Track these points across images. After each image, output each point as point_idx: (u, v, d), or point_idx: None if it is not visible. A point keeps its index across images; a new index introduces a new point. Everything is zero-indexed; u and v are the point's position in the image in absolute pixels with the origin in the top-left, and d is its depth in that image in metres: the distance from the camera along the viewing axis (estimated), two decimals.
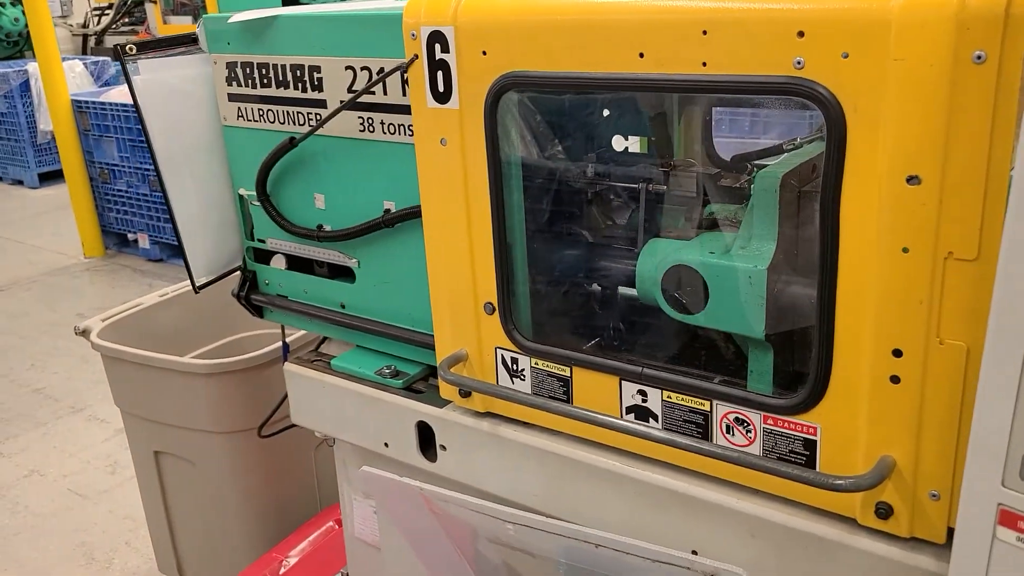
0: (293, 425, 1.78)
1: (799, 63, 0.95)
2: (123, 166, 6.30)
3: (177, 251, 6.54)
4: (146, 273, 6.21)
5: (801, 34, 0.94)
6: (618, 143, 1.47)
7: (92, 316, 2.63)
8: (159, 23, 11.78)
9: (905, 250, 0.93)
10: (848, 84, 0.92)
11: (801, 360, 1.16)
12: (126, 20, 13.21)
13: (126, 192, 6.35)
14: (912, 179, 0.90)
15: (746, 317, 1.16)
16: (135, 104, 1.55)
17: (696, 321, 1.21)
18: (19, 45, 10.50)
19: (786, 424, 1.09)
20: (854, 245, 0.97)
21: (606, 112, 1.42)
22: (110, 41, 12.92)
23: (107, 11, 13.12)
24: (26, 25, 10.45)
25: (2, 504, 3.54)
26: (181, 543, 2.60)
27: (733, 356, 1.26)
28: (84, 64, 8.72)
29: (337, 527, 2.34)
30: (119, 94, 6.47)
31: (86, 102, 6.37)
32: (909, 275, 0.93)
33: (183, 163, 1.63)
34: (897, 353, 0.97)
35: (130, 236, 6.57)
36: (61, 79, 6.41)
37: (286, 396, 1.72)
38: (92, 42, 12.75)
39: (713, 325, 1.20)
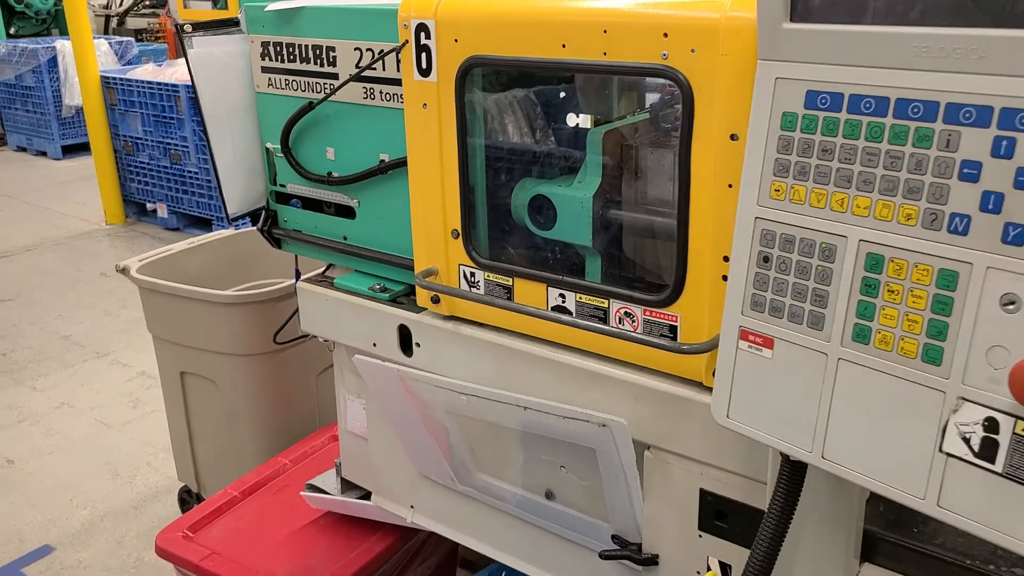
0: (301, 337, 2.21)
1: (664, 55, 1.38)
2: (146, 139, 6.74)
3: (193, 221, 6.97)
4: (164, 240, 6.64)
5: (666, 35, 1.37)
6: (571, 120, 1.92)
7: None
8: (180, 7, 12.21)
9: (730, 186, 1.36)
10: (695, 70, 1.35)
11: (621, 264, 1.66)
12: (147, 3, 13.68)
13: (147, 164, 6.80)
14: (733, 136, 1.33)
15: (580, 231, 1.62)
16: (189, 72, 1.99)
17: (549, 235, 1.67)
18: (47, 23, 10.97)
19: (658, 314, 1.52)
20: (699, 184, 1.40)
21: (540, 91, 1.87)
22: (131, 23, 13.37)
23: None
24: (55, 4, 10.91)
25: (37, 428, 4.00)
26: (199, 453, 3.04)
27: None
28: (109, 43, 9.16)
29: (333, 441, 2.77)
30: (144, 72, 6.92)
31: (114, 78, 6.82)
32: (732, 203, 1.36)
33: (224, 120, 2.07)
34: (726, 259, 1.39)
35: (149, 206, 7.02)
36: (92, 56, 6.86)
37: (296, 312, 2.15)
38: (115, 23, 13.18)
39: (559, 238, 1.67)
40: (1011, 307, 0.89)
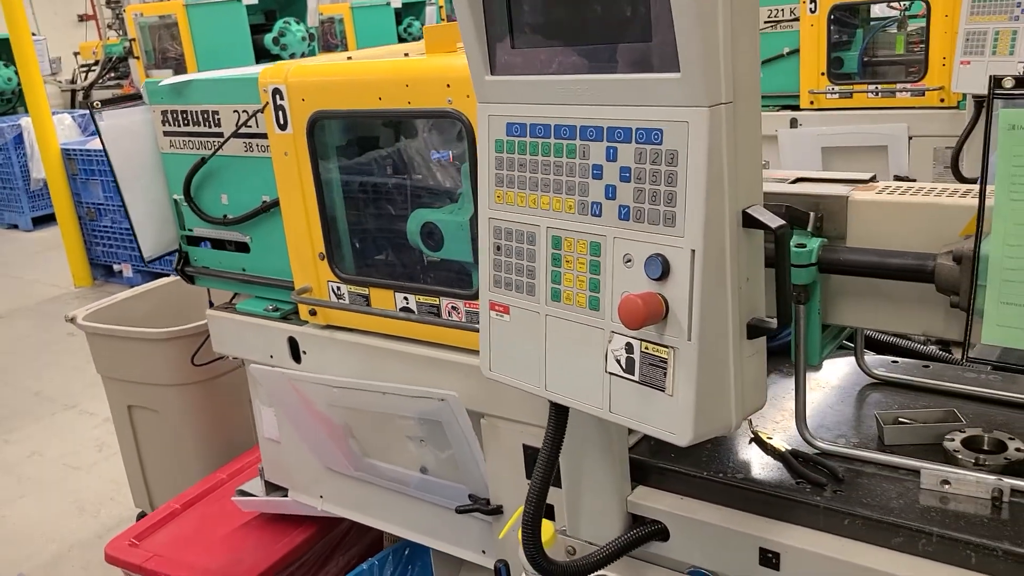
0: (219, 358, 2.58)
1: (449, 100, 1.77)
2: (107, 205, 7.13)
3: (156, 277, 7.28)
4: None
5: (448, 85, 1.76)
6: (434, 156, 2.30)
7: None
8: (142, 76, 12.67)
9: None
10: (471, 111, 1.74)
11: None
12: (112, 75, 14.14)
13: (111, 227, 7.18)
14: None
15: (462, 250, 1.97)
16: (100, 141, 2.38)
17: (439, 255, 2.02)
18: (12, 102, 11.37)
19: (473, 305, 1.89)
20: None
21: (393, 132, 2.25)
22: (97, 95, 13.84)
23: (93, 67, 13.98)
24: (19, 83, 11.34)
25: (9, 478, 4.32)
26: (151, 478, 3.37)
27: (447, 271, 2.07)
28: (72, 117, 9.58)
29: None
30: None
31: (74, 150, 7.22)
32: None
33: (134, 179, 2.45)
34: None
35: (115, 267, 7.39)
36: (51, 131, 7.26)
37: (208, 336, 2.52)
38: (81, 96, 13.61)
39: (448, 256, 2.02)
40: (628, 263, 1.27)
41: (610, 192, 1.28)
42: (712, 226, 1.19)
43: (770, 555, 1.57)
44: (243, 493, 2.76)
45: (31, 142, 9.17)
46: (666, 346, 1.25)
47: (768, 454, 1.70)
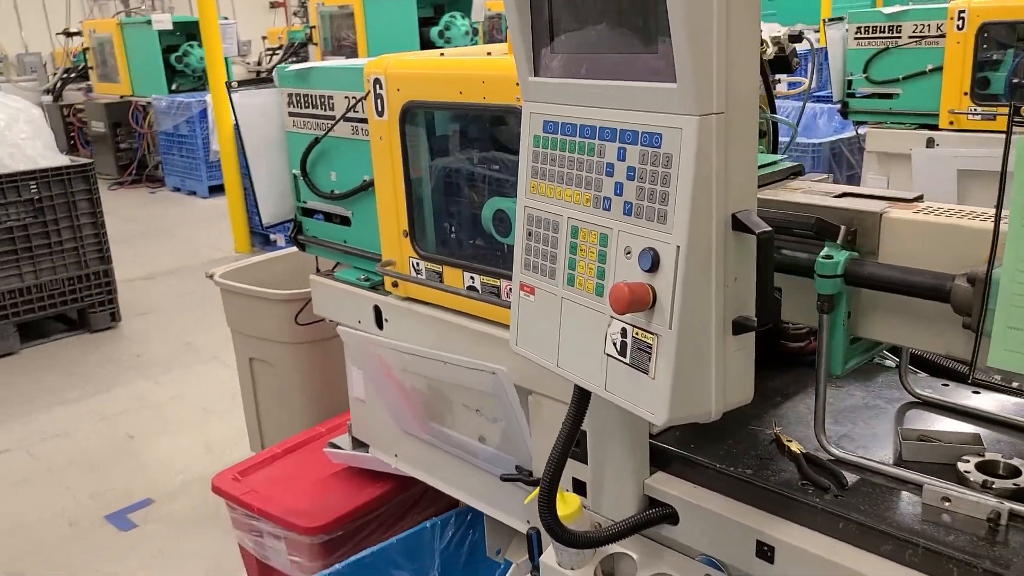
0: (319, 320, 2.85)
1: (518, 98, 1.92)
2: None
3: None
4: None
5: (518, 84, 1.92)
6: None
7: None
8: (318, 57, 13.53)
9: None
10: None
11: None
12: (293, 59, 15.16)
13: None
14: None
15: None
16: (234, 116, 2.69)
17: (507, 241, 2.19)
18: (202, 80, 12.44)
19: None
20: None
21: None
22: None
23: (277, 51, 15.02)
24: None
25: (152, 414, 4.83)
26: (264, 425, 3.73)
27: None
28: None
29: None
30: None
31: None
32: None
33: (260, 153, 2.75)
34: None
35: (271, 236, 7.99)
36: (227, 108, 7.92)
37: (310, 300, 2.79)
38: (265, 75, 14.65)
39: (513, 242, 2.18)
40: (628, 255, 1.39)
41: (618, 189, 1.40)
42: (698, 226, 1.30)
43: (766, 548, 1.64)
44: (333, 446, 3.03)
45: (212, 117, 10.02)
46: (652, 333, 1.36)
47: (784, 454, 1.77)
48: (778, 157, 2.03)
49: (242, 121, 2.71)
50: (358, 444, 2.95)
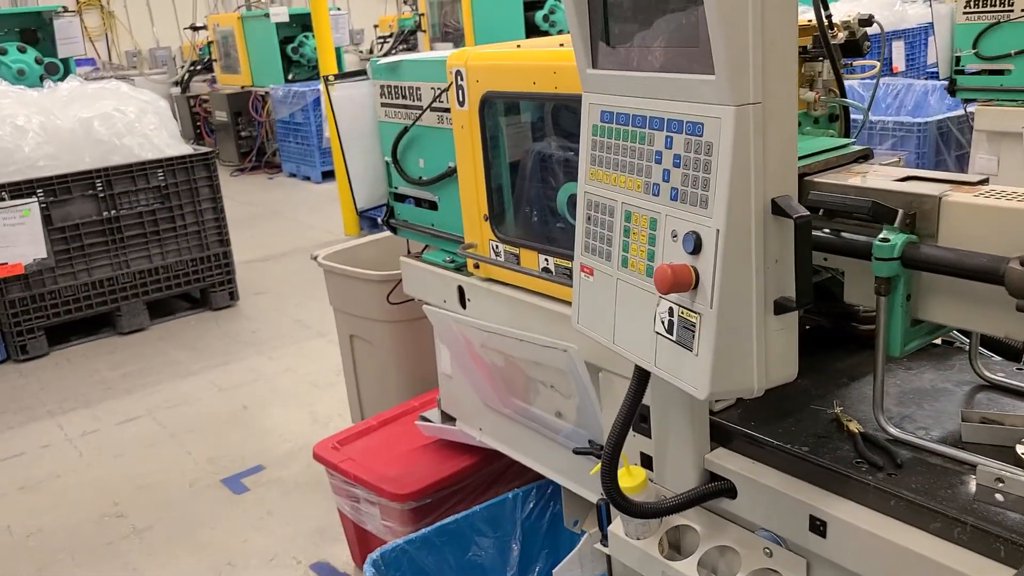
0: (410, 300, 3.02)
1: None
2: None
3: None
4: None
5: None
6: None
7: None
8: (427, 48, 13.83)
9: None
10: None
11: None
12: (403, 46, 15.54)
13: None
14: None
15: None
16: (331, 107, 2.86)
17: None
18: (316, 69, 12.92)
19: None
20: None
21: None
22: None
23: (388, 39, 15.41)
24: None
25: (265, 386, 5.15)
26: (364, 399, 3.94)
27: None
28: None
29: None
30: None
31: None
32: None
33: (355, 142, 2.92)
34: None
35: (379, 220, 8.28)
36: None
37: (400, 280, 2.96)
38: None
39: None
40: (675, 238, 1.46)
41: (665, 176, 1.48)
42: (737, 210, 1.36)
43: (818, 523, 1.69)
44: (424, 419, 3.20)
45: (323, 106, 10.43)
46: (695, 312, 1.44)
47: (842, 433, 1.81)
48: (846, 141, 2.04)
49: (338, 112, 2.88)
50: (446, 418, 3.11)
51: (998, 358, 2.08)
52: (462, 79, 2.39)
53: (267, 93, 11.61)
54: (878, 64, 2.06)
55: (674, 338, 1.49)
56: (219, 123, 12.46)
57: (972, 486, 1.59)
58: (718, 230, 1.37)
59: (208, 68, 13.48)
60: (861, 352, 2.16)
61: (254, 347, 5.82)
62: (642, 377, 1.75)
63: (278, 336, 5.97)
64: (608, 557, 2.24)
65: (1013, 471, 1.56)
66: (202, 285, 6.49)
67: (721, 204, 1.36)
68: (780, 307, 1.42)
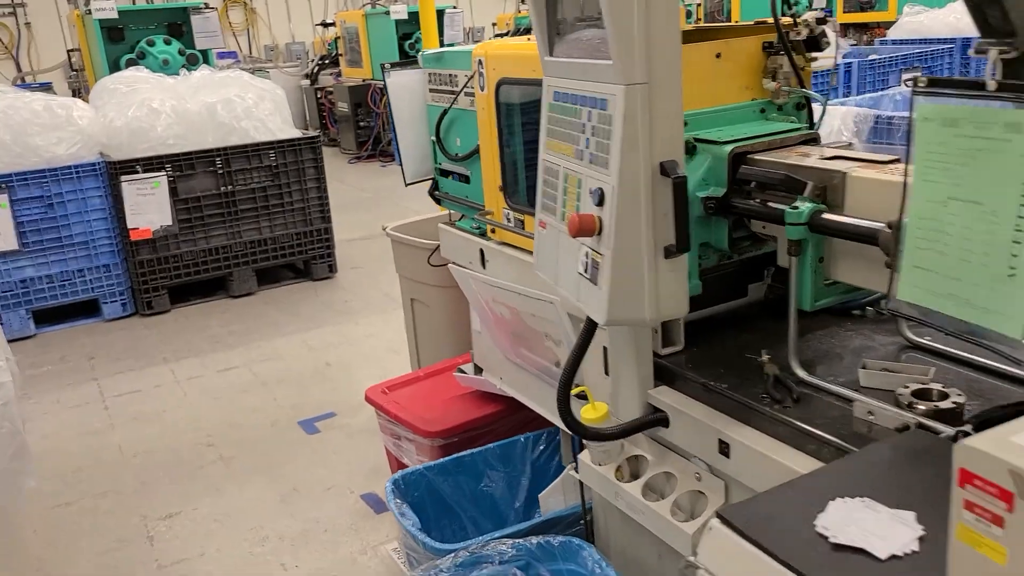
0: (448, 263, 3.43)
1: None
2: None
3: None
4: None
5: None
6: None
7: None
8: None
9: None
10: None
11: None
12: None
13: None
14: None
15: None
16: (386, 93, 3.30)
17: None
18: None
19: None
20: None
21: None
22: None
23: (504, 36, 15.87)
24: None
25: (349, 348, 5.69)
26: (422, 357, 4.38)
27: None
28: None
29: None
30: None
31: None
32: None
33: (406, 124, 3.35)
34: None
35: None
36: None
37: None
38: None
39: None
40: (591, 194, 1.80)
41: (587, 143, 1.82)
42: (628, 171, 1.69)
43: (725, 445, 2.00)
44: (460, 371, 3.60)
45: None
46: (600, 253, 1.78)
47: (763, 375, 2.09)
48: (796, 126, 2.32)
49: (392, 97, 3.32)
50: (478, 370, 3.50)
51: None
52: (483, 67, 2.77)
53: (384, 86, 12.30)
54: (833, 58, 2.31)
55: (588, 276, 1.83)
56: (341, 114, 13.27)
57: (850, 418, 1.86)
58: (613, 187, 1.71)
59: (335, 62, 14.35)
60: (816, 317, 2.41)
61: (345, 315, 6.38)
62: (591, 322, 2.09)
63: (367, 306, 6.51)
64: (580, 483, 2.58)
65: (883, 407, 1.82)
66: (304, 257, 7.12)
67: (615, 165, 1.70)
68: (668, 252, 1.74)
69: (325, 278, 7.22)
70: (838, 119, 5.39)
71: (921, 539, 1.23)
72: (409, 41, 12.45)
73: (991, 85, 1.46)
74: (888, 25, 11.17)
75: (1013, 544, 0.87)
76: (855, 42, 12.10)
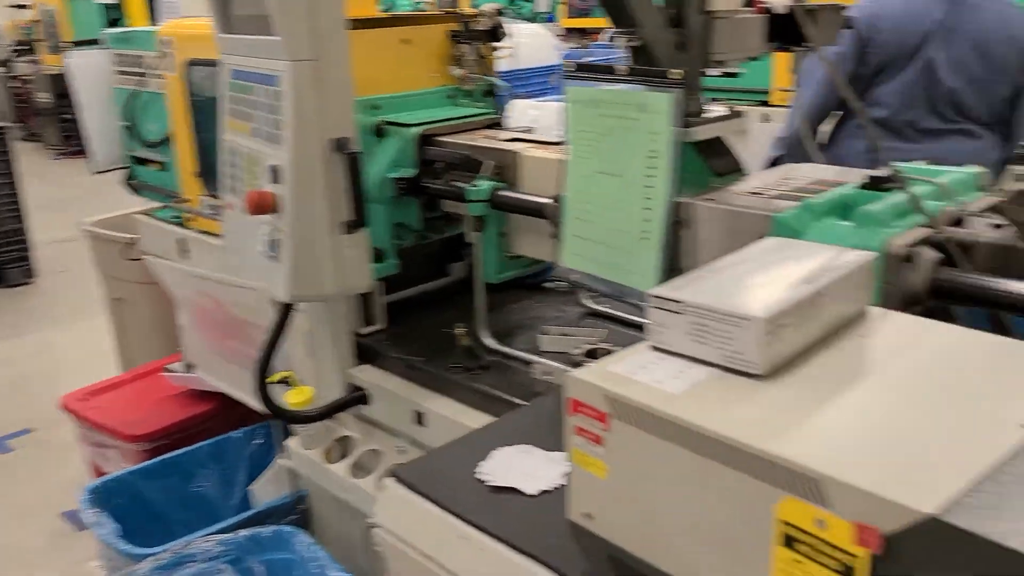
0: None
1: None
2: None
3: None
4: None
5: None
6: None
7: None
8: None
9: None
10: None
11: None
12: None
13: None
14: None
15: None
16: (68, 77, 3.05)
17: None
18: None
19: None
20: None
21: None
22: None
23: None
24: None
25: (50, 357, 5.21)
26: (131, 357, 4.11)
27: None
28: None
29: None
30: None
31: None
32: None
33: (92, 108, 3.12)
34: None
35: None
36: None
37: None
38: None
39: None
40: (268, 173, 1.79)
41: (262, 121, 1.80)
42: (301, 147, 1.70)
43: (420, 415, 2.06)
44: (169, 370, 3.42)
45: None
46: (281, 230, 1.77)
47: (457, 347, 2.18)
48: (483, 110, 2.44)
49: (74, 79, 3.08)
50: (190, 367, 3.34)
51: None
52: (170, 48, 2.64)
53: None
54: (510, 47, 2.46)
55: (270, 254, 1.81)
56: (43, 105, 12.04)
57: (532, 380, 1.99)
58: (287, 163, 1.70)
59: (33, 48, 12.98)
60: (509, 291, 2.54)
61: (49, 322, 5.84)
62: (285, 308, 2.07)
63: (74, 312, 5.98)
64: (291, 470, 2.55)
65: (559, 367, 1.96)
66: None
67: (288, 142, 1.69)
68: (348, 227, 1.77)
69: (21, 284, 6.54)
70: (556, 114, 5.71)
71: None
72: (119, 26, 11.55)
73: (622, 70, 1.63)
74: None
75: (611, 459, 0.98)
76: (576, 45, 12.91)
